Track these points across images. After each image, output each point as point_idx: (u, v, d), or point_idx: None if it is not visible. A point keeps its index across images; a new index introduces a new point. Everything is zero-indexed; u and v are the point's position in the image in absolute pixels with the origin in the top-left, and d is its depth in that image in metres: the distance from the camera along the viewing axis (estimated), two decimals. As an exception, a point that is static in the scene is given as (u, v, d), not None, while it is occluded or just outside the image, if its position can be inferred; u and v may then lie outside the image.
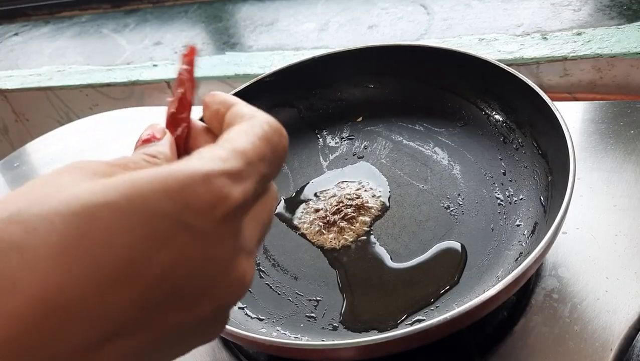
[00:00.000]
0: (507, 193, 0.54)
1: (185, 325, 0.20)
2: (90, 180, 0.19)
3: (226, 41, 0.95)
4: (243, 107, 0.25)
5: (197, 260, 0.19)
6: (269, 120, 0.24)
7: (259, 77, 0.64)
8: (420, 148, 0.61)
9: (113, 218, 0.18)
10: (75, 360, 0.18)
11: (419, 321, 0.45)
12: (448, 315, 0.38)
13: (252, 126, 0.24)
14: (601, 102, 0.64)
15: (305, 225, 0.55)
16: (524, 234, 0.49)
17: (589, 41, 0.70)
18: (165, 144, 0.25)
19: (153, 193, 0.18)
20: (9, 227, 0.17)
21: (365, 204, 0.55)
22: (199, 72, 0.88)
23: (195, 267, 0.19)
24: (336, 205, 0.55)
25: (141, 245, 0.18)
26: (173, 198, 0.19)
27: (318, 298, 0.49)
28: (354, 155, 0.62)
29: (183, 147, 0.27)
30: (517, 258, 0.48)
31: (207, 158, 0.21)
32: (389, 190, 0.57)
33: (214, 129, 0.26)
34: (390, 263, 0.50)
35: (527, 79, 0.54)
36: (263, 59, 0.87)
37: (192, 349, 0.23)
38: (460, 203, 0.54)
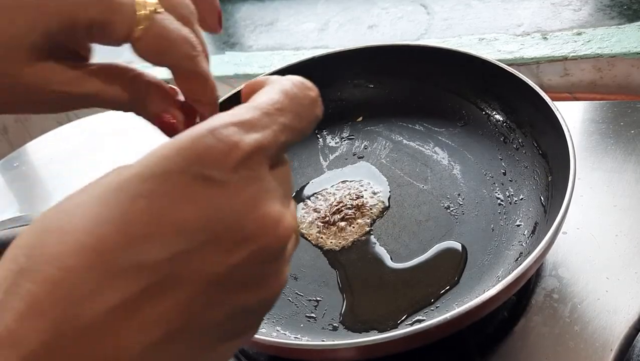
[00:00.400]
0: (507, 193, 0.54)
1: (227, 272, 0.20)
2: None
3: (226, 41, 0.95)
4: (275, 77, 0.26)
5: (218, 206, 0.20)
6: (292, 77, 0.25)
7: (259, 77, 0.64)
8: (420, 148, 0.61)
9: (136, 186, 0.19)
10: (114, 322, 0.18)
11: (419, 321, 0.45)
12: (448, 315, 0.38)
13: (271, 85, 0.24)
14: (601, 102, 0.64)
15: (305, 225, 0.55)
16: (524, 234, 0.49)
17: (589, 41, 0.70)
18: None
19: (167, 155, 0.20)
20: (51, 216, 0.20)
21: (365, 204, 0.55)
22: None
23: (216, 214, 0.20)
24: (336, 206, 0.55)
25: (161, 203, 0.19)
26: (185, 155, 0.20)
27: (318, 298, 0.49)
28: (354, 155, 0.62)
29: None
30: (518, 258, 0.47)
31: (218, 117, 0.22)
32: (389, 190, 0.57)
33: None
34: (390, 263, 0.50)
35: (527, 79, 0.54)
36: (263, 59, 0.87)
37: (252, 317, 0.22)
38: (461, 203, 0.54)
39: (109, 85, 0.32)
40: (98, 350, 0.18)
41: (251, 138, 0.21)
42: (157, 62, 0.31)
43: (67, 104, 0.31)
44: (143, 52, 0.30)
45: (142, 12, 0.29)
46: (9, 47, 0.28)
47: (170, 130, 0.33)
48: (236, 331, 0.22)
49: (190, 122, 0.33)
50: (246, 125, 0.21)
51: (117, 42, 0.31)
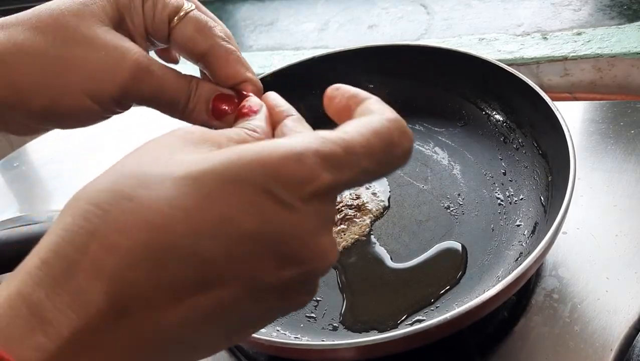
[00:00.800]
0: (507, 193, 0.54)
1: (272, 284, 0.22)
2: (196, 147, 0.22)
3: (226, 41, 0.95)
4: (374, 103, 0.25)
5: (283, 227, 0.21)
6: (393, 117, 0.25)
7: (259, 77, 0.64)
8: (421, 148, 0.61)
9: (212, 183, 0.21)
10: (171, 303, 0.20)
11: (419, 321, 0.45)
12: (448, 315, 0.38)
13: (371, 119, 0.24)
14: (601, 102, 0.64)
15: (305, 225, 0.55)
16: (524, 234, 0.49)
17: (589, 41, 0.70)
18: (262, 118, 0.28)
19: (250, 165, 0.21)
20: (127, 181, 0.21)
21: (365, 204, 0.55)
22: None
23: (279, 234, 0.21)
24: (336, 206, 0.55)
25: (232, 207, 0.20)
26: (266, 170, 0.21)
27: (318, 298, 0.49)
28: (354, 155, 0.62)
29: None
30: (518, 258, 0.47)
31: (308, 138, 0.22)
32: (389, 190, 0.57)
33: (341, 122, 0.27)
34: (390, 263, 0.50)
35: (527, 79, 0.54)
36: (263, 59, 0.87)
37: (275, 316, 0.24)
38: (461, 203, 0.54)
39: (169, 68, 0.34)
40: (142, 322, 0.20)
41: (331, 176, 0.22)
42: (194, 47, 0.34)
43: (128, 84, 0.33)
44: (182, 36, 0.34)
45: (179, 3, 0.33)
46: (84, 10, 0.32)
47: (221, 117, 0.35)
48: (258, 325, 0.24)
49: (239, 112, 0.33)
50: (332, 161, 0.22)
51: (163, 29, 0.34)
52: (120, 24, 0.34)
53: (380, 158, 0.23)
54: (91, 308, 0.19)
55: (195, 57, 0.35)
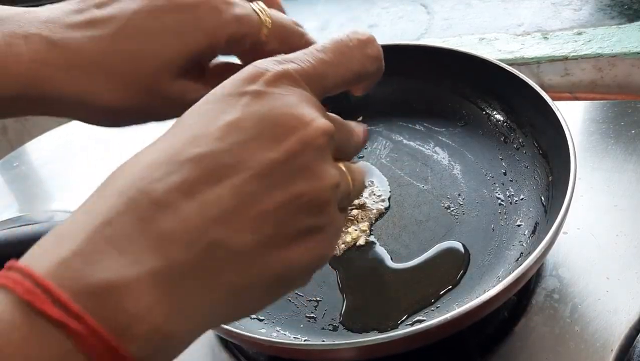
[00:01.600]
0: (507, 193, 0.54)
1: (274, 164, 0.24)
2: None
3: (226, 41, 0.95)
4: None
5: (261, 109, 0.25)
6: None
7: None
8: (421, 148, 0.61)
9: (202, 105, 0.26)
10: (176, 198, 0.23)
11: (420, 321, 0.45)
12: (448, 315, 0.38)
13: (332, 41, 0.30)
14: (602, 101, 0.64)
15: (305, 225, 0.55)
16: (524, 234, 0.49)
17: (589, 41, 0.70)
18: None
19: (224, 84, 0.27)
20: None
21: (366, 204, 0.55)
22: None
23: (261, 115, 0.25)
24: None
25: (216, 112, 0.25)
26: (233, 81, 0.26)
27: (318, 299, 0.49)
28: (354, 155, 0.62)
29: None
30: (518, 259, 0.47)
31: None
32: (389, 190, 0.57)
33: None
34: (390, 263, 0.50)
35: (527, 79, 0.54)
36: (263, 59, 0.87)
37: (298, 209, 0.25)
38: (461, 203, 0.54)
39: None
40: (163, 218, 0.23)
41: (282, 66, 0.27)
42: (281, 50, 0.36)
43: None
44: (270, 47, 0.36)
45: (263, 17, 0.35)
46: (158, 69, 0.33)
47: None
48: (294, 235, 0.25)
49: None
50: (283, 59, 0.27)
51: (245, 49, 0.36)
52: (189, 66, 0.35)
53: (336, 49, 0.29)
54: (109, 216, 0.23)
55: None
